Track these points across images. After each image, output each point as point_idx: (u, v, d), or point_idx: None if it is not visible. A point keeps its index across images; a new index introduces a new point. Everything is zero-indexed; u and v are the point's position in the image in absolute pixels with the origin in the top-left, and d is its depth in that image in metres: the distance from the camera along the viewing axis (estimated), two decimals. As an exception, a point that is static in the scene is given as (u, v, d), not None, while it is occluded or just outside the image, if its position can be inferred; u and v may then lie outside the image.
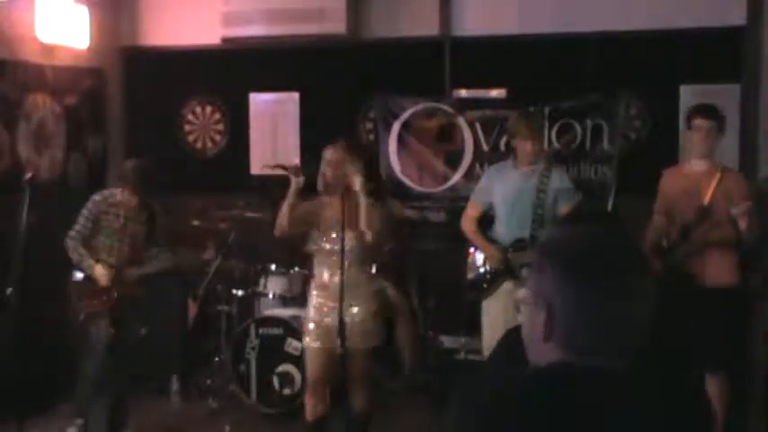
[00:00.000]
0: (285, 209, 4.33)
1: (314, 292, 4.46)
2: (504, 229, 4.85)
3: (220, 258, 5.50)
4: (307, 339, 4.44)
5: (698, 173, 4.52)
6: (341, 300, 4.17)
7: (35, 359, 5.08)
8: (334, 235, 4.30)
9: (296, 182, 4.31)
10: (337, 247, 4.24)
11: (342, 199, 4.24)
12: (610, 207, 5.63)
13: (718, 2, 5.69)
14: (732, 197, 4.27)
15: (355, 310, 4.32)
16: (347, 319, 4.24)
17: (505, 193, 4.85)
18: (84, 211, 4.86)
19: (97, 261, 4.83)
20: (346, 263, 4.24)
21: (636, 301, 1.43)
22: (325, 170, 4.34)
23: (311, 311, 4.43)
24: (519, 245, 4.75)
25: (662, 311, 1.51)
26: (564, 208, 4.76)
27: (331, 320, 4.29)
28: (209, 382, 5.71)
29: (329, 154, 4.36)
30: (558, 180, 4.82)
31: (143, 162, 5.04)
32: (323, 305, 4.37)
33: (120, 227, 4.89)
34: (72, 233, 4.84)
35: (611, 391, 1.41)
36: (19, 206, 4.69)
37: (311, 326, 4.40)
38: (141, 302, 5.00)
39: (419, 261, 6.08)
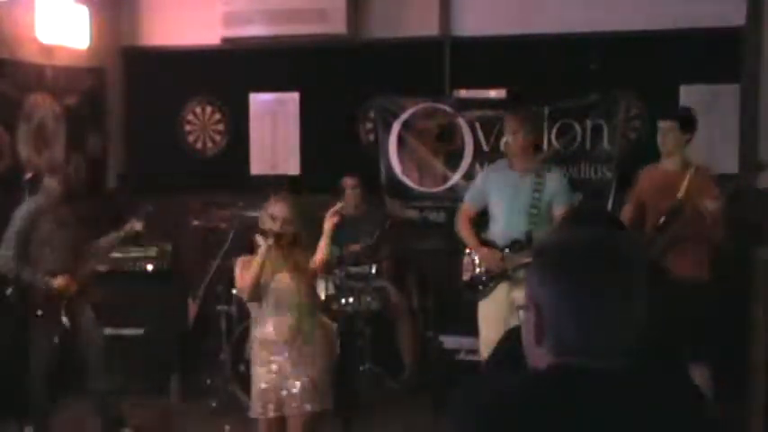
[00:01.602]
0: (248, 277, 3.91)
1: (257, 349, 4.07)
2: (499, 230, 4.83)
3: (220, 258, 5.49)
4: (252, 407, 4.07)
5: (672, 171, 4.65)
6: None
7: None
8: (273, 280, 3.96)
9: (266, 245, 3.90)
10: (280, 290, 3.95)
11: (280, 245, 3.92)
12: (610, 207, 5.62)
13: (718, 2, 5.69)
14: (702, 194, 4.38)
15: (302, 369, 3.95)
16: (295, 383, 3.92)
17: (501, 193, 4.84)
18: (14, 228, 4.61)
19: (47, 273, 4.65)
20: (293, 311, 3.94)
21: (626, 301, 1.43)
22: (271, 224, 3.93)
23: (255, 377, 4.05)
24: (515, 246, 4.75)
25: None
26: (559, 209, 4.74)
27: (275, 385, 3.96)
28: (209, 382, 5.70)
29: (277, 210, 3.96)
30: (554, 181, 4.81)
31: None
32: (266, 363, 4.00)
33: (50, 233, 4.70)
34: (9, 253, 4.58)
35: (610, 392, 1.41)
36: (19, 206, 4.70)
37: (256, 394, 4.03)
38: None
39: (419, 261, 6.09)
